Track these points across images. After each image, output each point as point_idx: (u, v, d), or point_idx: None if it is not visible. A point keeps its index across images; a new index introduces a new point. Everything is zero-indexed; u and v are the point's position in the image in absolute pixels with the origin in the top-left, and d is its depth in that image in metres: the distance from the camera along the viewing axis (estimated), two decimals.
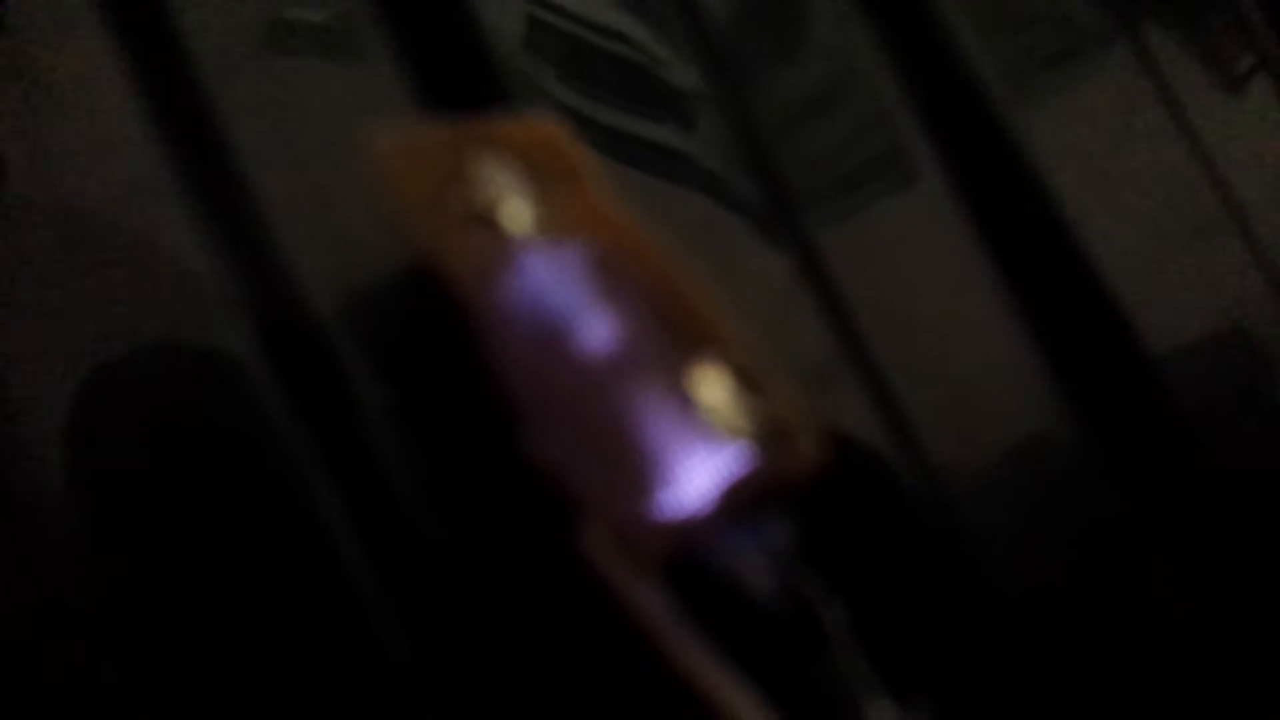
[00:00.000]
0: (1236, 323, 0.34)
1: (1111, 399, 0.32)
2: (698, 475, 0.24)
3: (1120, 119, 0.35)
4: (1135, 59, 0.36)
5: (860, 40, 0.33)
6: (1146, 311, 0.33)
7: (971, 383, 0.31)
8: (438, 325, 0.25)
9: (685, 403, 0.24)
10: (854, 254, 0.31)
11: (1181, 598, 0.32)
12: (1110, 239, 0.33)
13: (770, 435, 0.24)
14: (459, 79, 0.31)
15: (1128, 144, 0.35)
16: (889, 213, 0.32)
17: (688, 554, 0.24)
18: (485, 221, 0.25)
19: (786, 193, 0.32)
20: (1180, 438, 0.32)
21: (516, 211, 0.25)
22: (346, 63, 0.30)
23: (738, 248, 0.31)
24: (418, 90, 0.30)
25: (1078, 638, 0.30)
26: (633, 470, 0.24)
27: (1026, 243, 0.33)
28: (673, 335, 0.24)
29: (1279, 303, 0.34)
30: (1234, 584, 0.32)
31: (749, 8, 0.34)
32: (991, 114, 0.34)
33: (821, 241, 0.31)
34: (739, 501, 0.24)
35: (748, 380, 0.24)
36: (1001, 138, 0.33)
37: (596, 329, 0.24)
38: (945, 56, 0.34)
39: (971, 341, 0.32)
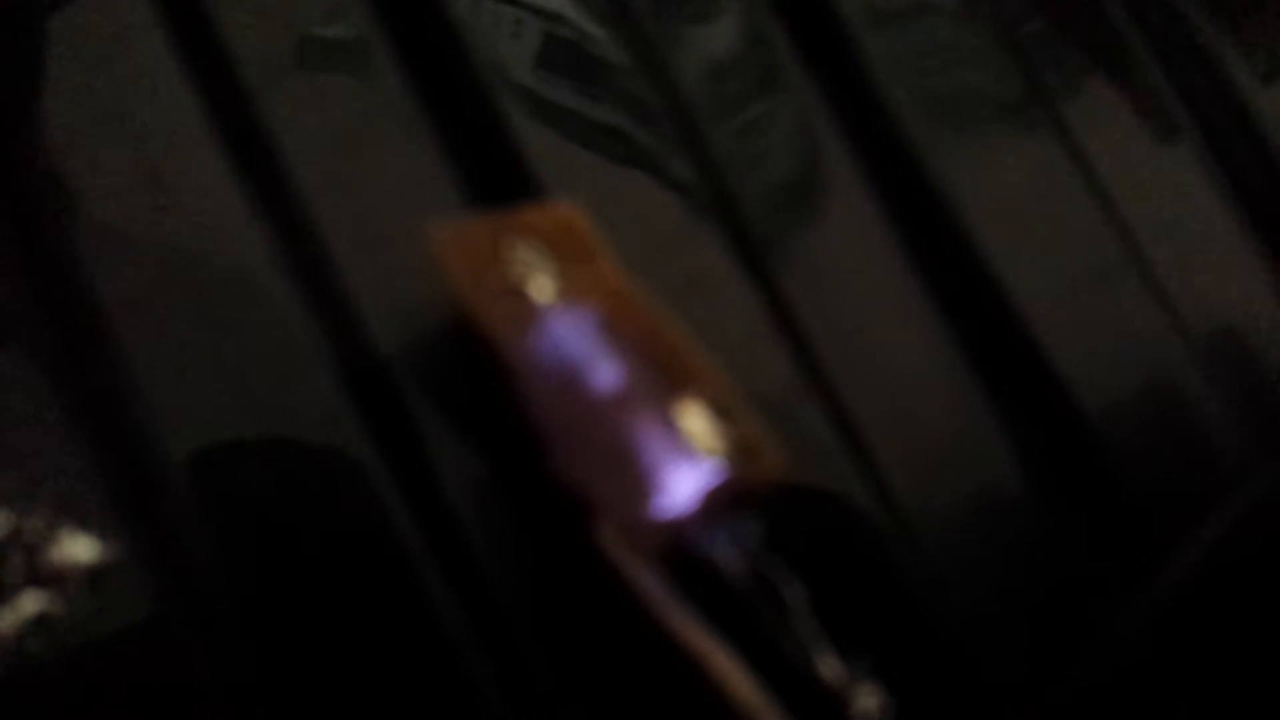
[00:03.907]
0: (1139, 352, 0.39)
1: (1027, 408, 0.37)
2: (684, 485, 0.28)
3: (1037, 180, 0.40)
4: (1050, 127, 0.41)
5: (824, 130, 0.38)
6: (1055, 334, 0.37)
7: (911, 399, 0.36)
8: (482, 373, 0.30)
9: (673, 429, 0.29)
10: (813, 294, 0.36)
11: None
12: (1025, 281, 0.38)
13: (739, 453, 0.29)
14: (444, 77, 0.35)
15: (1044, 201, 0.40)
16: (838, 257, 0.37)
17: (678, 546, 0.29)
18: (518, 292, 0.30)
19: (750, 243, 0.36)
20: (1080, 429, 0.37)
21: (542, 284, 0.30)
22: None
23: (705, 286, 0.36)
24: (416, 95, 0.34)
25: (990, 598, 0.34)
26: (634, 482, 0.29)
27: (956, 283, 0.38)
28: (663, 377, 0.29)
29: (1177, 335, 0.39)
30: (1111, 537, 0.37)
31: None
32: (930, 181, 0.38)
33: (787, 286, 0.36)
34: (716, 505, 0.29)
35: (721, 410, 0.29)
36: (937, 198, 0.38)
37: (605, 374, 0.29)
38: (888, 133, 0.39)
39: (907, 359, 0.36)
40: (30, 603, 0.28)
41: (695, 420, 0.29)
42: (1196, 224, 0.42)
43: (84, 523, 0.28)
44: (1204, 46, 0.44)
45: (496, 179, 0.35)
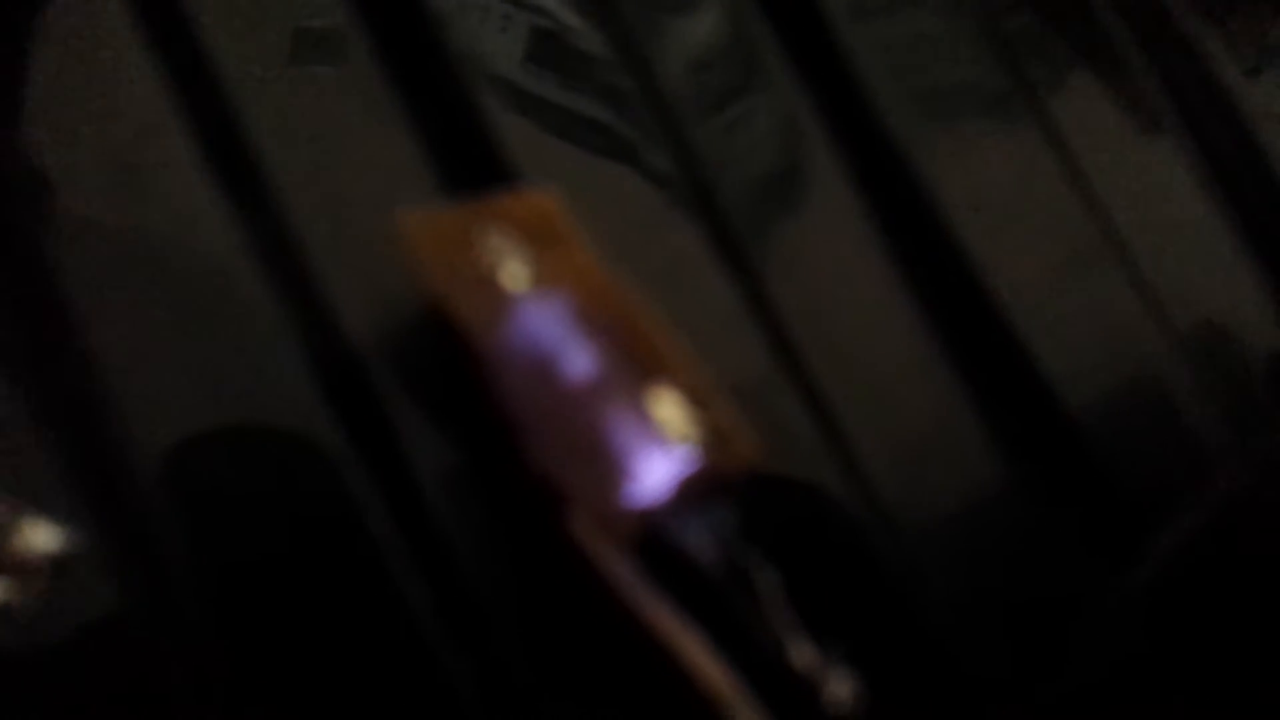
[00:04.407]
0: (1121, 344, 0.39)
1: (1007, 399, 0.37)
2: (657, 473, 0.29)
3: (1020, 173, 0.40)
4: (1034, 120, 0.41)
5: (806, 122, 0.38)
6: (1037, 326, 0.38)
7: (890, 390, 0.36)
8: (455, 362, 0.30)
9: (646, 417, 0.29)
10: (792, 285, 0.36)
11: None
12: (1007, 274, 0.38)
13: (712, 440, 0.29)
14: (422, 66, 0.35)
15: (1026, 193, 0.40)
16: (818, 249, 0.37)
17: (652, 534, 0.29)
18: (490, 281, 0.30)
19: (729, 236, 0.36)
20: (1061, 420, 0.37)
21: (515, 272, 0.30)
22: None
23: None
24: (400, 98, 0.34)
25: (969, 589, 0.34)
26: (607, 470, 0.29)
27: (937, 272, 0.38)
28: (636, 365, 0.29)
29: (1159, 327, 0.39)
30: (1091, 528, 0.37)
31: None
32: (911, 173, 0.39)
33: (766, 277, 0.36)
34: (690, 492, 0.29)
35: (694, 397, 0.29)
36: (919, 191, 0.38)
37: (577, 362, 0.29)
38: (870, 125, 0.39)
39: (886, 351, 0.37)
40: None
41: (669, 408, 0.29)
42: (1180, 217, 0.42)
43: (48, 512, 0.28)
44: (1188, 40, 0.44)
45: (477, 172, 0.35)
